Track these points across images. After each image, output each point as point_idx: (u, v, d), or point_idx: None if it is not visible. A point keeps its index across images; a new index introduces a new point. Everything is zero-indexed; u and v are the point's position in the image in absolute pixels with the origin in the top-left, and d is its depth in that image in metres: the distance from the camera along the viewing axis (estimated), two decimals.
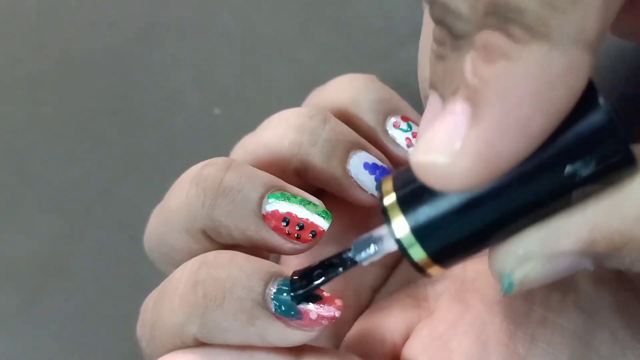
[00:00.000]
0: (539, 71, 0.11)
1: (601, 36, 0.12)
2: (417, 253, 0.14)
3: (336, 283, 0.20)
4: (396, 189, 0.15)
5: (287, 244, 0.18)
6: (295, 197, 0.18)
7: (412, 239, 0.14)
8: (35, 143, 0.32)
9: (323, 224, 0.18)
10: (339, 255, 0.17)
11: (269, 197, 0.18)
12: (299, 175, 0.20)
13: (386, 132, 0.21)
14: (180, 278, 0.17)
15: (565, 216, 0.13)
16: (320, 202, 0.19)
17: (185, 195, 0.18)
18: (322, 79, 0.32)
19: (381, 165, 0.20)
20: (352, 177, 0.20)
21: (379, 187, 0.15)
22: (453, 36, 0.13)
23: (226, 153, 0.31)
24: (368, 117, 0.21)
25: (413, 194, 0.14)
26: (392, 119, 0.21)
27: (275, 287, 0.17)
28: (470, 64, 0.12)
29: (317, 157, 0.20)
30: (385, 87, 0.22)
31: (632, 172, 0.13)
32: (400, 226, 0.14)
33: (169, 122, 0.31)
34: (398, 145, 0.21)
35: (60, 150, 0.31)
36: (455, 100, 0.12)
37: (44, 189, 0.31)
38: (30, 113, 0.32)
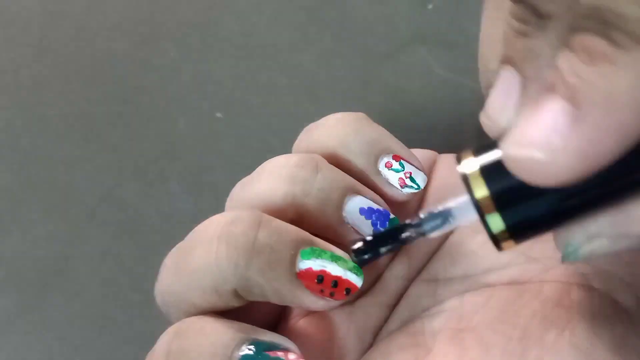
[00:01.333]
0: None
1: None
2: (496, 224, 0.15)
3: (339, 328, 0.21)
4: (479, 161, 0.15)
5: (320, 302, 0.18)
6: (326, 253, 0.18)
7: (494, 211, 0.14)
8: (38, 146, 0.32)
9: (357, 281, 0.19)
10: (406, 226, 0.18)
11: (301, 254, 0.18)
12: (295, 224, 0.20)
13: (378, 173, 0.21)
14: (159, 347, 0.18)
15: (638, 204, 0.14)
16: (348, 256, 0.19)
17: (214, 255, 0.18)
18: (323, 83, 0.32)
19: (377, 209, 0.20)
20: (348, 224, 0.20)
21: (458, 159, 0.16)
22: (538, 15, 0.13)
23: (228, 157, 0.31)
24: (359, 160, 0.21)
25: (495, 167, 0.14)
26: (384, 159, 0.21)
27: (242, 353, 0.17)
28: (567, 63, 0.12)
29: (311, 207, 0.20)
30: (374, 125, 0.22)
31: None
32: (483, 196, 0.15)
33: (171, 125, 0.32)
34: (392, 185, 0.21)
35: (63, 153, 0.31)
36: (554, 98, 0.12)
37: (47, 192, 0.31)
38: (34, 116, 0.32)
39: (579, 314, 0.18)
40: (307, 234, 0.19)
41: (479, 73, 0.19)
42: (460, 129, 0.30)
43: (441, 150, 0.25)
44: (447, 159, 0.24)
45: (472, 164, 0.15)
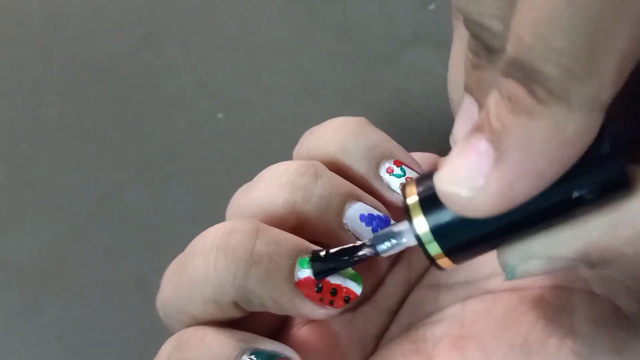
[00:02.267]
0: (556, 131, 0.12)
1: (612, 98, 0.13)
2: (434, 249, 0.16)
3: (341, 335, 0.21)
4: (418, 191, 0.16)
5: (320, 311, 0.18)
6: None
7: (431, 237, 0.16)
8: (38, 147, 0.32)
9: (356, 288, 0.19)
10: (360, 245, 0.18)
11: (299, 263, 0.18)
12: (296, 232, 0.20)
13: (380, 178, 0.21)
14: (160, 359, 0.18)
15: (568, 228, 0.15)
16: None
17: (212, 266, 0.18)
18: (324, 83, 0.32)
19: (377, 215, 0.20)
20: (348, 230, 0.20)
21: (402, 189, 0.17)
22: (488, 50, 0.14)
23: (229, 157, 0.31)
24: (360, 166, 0.21)
25: (433, 197, 0.16)
26: (386, 165, 0.21)
27: None
28: (494, 106, 0.13)
29: (312, 214, 0.19)
30: (376, 130, 0.22)
31: (627, 194, 0.14)
32: (421, 225, 0.16)
33: (172, 126, 0.32)
34: (393, 191, 0.21)
35: (63, 154, 0.31)
36: (480, 139, 0.13)
37: (48, 193, 0.31)
38: (34, 117, 0.32)
39: (580, 320, 0.18)
40: (306, 242, 0.19)
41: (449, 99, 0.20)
42: None
43: (443, 151, 0.25)
44: None
45: (413, 194, 0.16)
